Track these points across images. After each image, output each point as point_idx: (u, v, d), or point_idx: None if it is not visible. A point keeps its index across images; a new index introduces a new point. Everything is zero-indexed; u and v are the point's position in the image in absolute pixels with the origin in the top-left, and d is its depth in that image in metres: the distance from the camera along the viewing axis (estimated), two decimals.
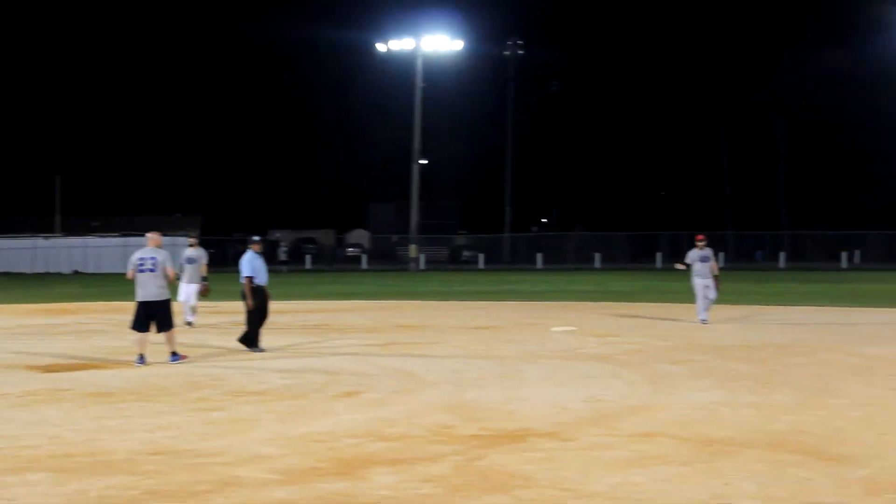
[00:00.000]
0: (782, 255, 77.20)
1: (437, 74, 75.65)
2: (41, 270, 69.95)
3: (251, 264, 18.39)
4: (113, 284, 39.21)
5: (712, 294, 24.22)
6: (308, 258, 77.28)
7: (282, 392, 13.64)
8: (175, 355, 16.88)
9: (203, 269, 23.86)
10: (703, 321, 23.99)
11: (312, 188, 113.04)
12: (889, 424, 11.00)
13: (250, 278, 18.31)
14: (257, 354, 18.03)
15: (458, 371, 15.68)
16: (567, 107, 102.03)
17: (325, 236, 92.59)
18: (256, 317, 18.46)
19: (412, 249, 72.34)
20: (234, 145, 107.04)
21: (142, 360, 16.49)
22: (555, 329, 23.05)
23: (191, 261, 23.90)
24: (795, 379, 14.61)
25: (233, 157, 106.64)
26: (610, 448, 9.88)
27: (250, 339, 18.48)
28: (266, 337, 18.74)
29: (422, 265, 72.88)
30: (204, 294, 23.45)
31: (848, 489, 8.25)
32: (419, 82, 71.31)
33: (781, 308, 30.39)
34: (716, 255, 28.55)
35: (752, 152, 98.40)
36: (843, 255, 74.75)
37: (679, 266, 25.60)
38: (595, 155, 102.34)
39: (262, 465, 9.27)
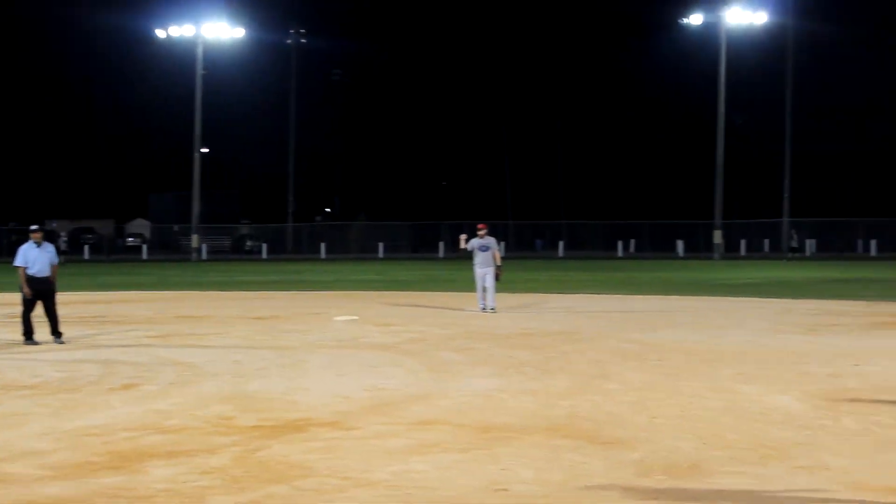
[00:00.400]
0: (561, 244, 79.16)
1: (219, 62, 74.51)
2: None
3: (24, 255, 18.02)
4: None
5: (490, 282, 24.53)
6: (86, 248, 75.02)
7: (56, 385, 13.20)
8: None
9: None
10: (484, 309, 24.32)
11: (91, 177, 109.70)
12: (660, 408, 11.37)
13: (22, 268, 17.89)
14: (32, 347, 17.46)
15: (239, 362, 15.48)
16: (350, 96, 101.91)
17: (103, 226, 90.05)
18: (30, 308, 17.97)
19: (194, 239, 71.13)
20: (6, 132, 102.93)
21: None
22: (337, 318, 23.00)
23: None
24: (573, 365, 14.97)
25: (5, 145, 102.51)
26: (391, 436, 9.90)
27: (28, 332, 17.97)
28: (41, 329, 18.09)
29: (204, 255, 71.71)
30: None
31: (620, 471, 8.48)
32: (200, 70, 70.05)
33: (560, 296, 31.11)
34: (498, 243, 29.09)
35: (532, 144, 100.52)
36: (619, 244, 77.26)
37: (462, 239, 25.69)
38: (378, 144, 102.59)
39: (34, 460, 8.94)
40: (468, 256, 25.38)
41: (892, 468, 8.46)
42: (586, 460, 8.87)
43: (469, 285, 26.19)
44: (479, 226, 25.31)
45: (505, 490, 7.91)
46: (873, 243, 73.77)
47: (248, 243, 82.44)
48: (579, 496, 7.73)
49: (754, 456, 8.99)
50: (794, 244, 68.40)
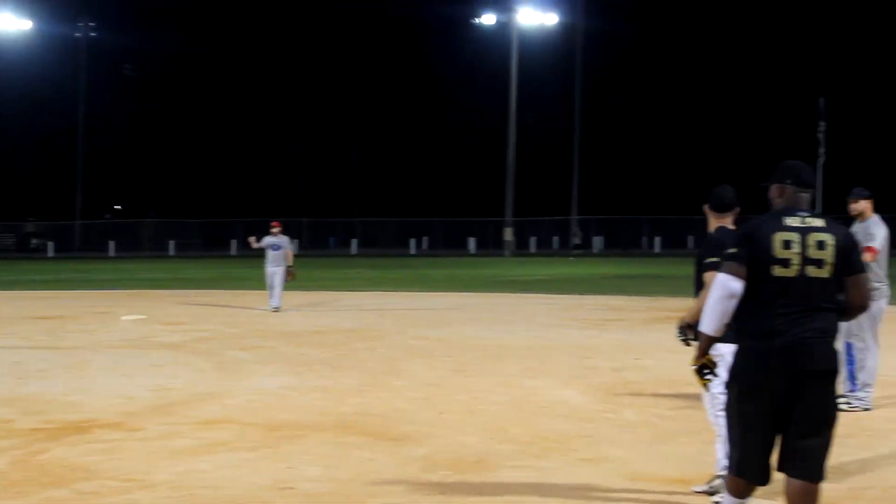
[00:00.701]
0: (354, 242, 79.31)
1: (4, 54, 71.87)
2: None
3: None
4: None
5: (278, 281, 24.34)
6: None
7: None
8: None
9: None
10: (275, 308, 24.15)
11: None
12: (448, 404, 11.51)
13: None
14: None
15: (19, 363, 14.98)
16: (141, 91, 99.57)
17: None
18: None
19: None
20: None
21: None
22: (125, 318, 22.49)
23: None
24: (363, 362, 15.01)
25: None
26: (176, 437, 9.74)
27: None
28: None
29: None
30: None
31: (407, 467, 8.54)
32: None
33: (352, 294, 31.15)
34: (291, 241, 28.92)
35: (325, 142, 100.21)
36: (412, 242, 77.84)
37: (252, 240, 25.54)
38: (169, 141, 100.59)
39: None
40: (263, 255, 25.13)
41: (669, 459, 8.75)
42: (374, 456, 8.91)
43: (262, 283, 25.96)
44: (273, 223, 25.13)
45: (291, 488, 7.87)
46: (657, 240, 76.32)
47: (34, 241, 79.78)
48: (366, 492, 7.75)
49: (537, 449, 9.18)
50: (578, 241, 69.99)
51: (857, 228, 11.14)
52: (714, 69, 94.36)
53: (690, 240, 67.45)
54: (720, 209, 7.44)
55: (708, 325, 5.83)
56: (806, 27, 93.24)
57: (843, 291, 5.87)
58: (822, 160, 61.35)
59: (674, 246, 73.56)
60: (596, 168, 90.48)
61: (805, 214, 5.89)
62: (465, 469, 8.48)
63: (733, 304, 5.74)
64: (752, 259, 5.75)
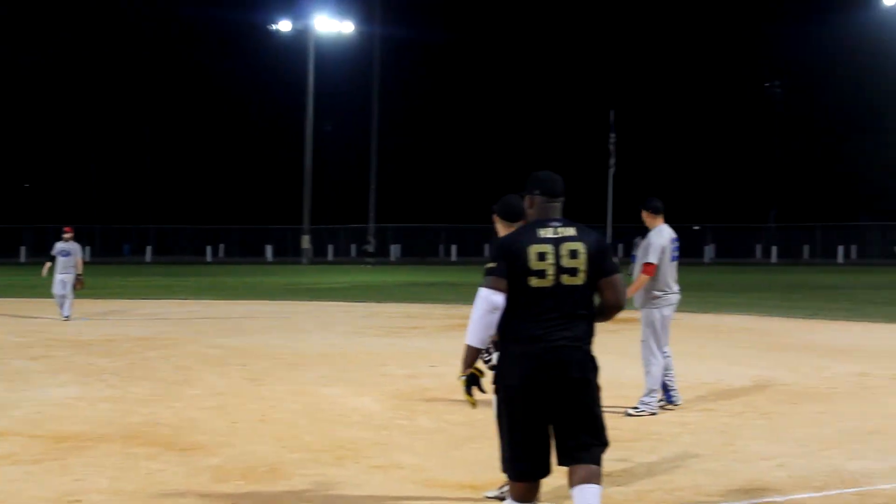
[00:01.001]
0: (149, 249, 77.76)
1: None
2: None
3: None
4: None
5: (68, 289, 23.65)
6: None
7: None
8: None
9: None
10: (66, 317, 23.49)
11: None
12: (241, 413, 11.40)
13: None
14: None
15: None
16: None
17: None
18: None
19: None
20: None
21: None
22: None
23: None
24: (155, 371, 14.74)
25: None
26: None
27: None
28: None
29: None
30: None
31: (198, 477, 8.43)
32: None
33: (146, 301, 30.55)
34: (83, 249, 28.12)
35: (119, 147, 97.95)
36: (209, 249, 76.81)
37: (44, 271, 24.76)
38: None
39: None
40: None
41: (463, 464, 8.86)
42: (163, 467, 8.76)
43: (47, 292, 25.15)
44: (66, 229, 24.41)
45: (78, 501, 7.67)
46: (454, 248, 77.25)
47: None
48: None
49: (331, 457, 9.18)
50: (371, 249, 70.14)
51: (648, 238, 11.60)
52: (510, 81, 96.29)
53: (487, 249, 68.48)
54: (509, 217, 7.55)
55: (473, 338, 6.01)
56: (598, 42, 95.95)
57: (599, 294, 6.15)
58: (612, 170, 63.26)
59: (471, 254, 74.57)
60: (393, 176, 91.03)
61: (558, 224, 6.12)
62: (258, 478, 8.42)
63: (496, 316, 5.95)
64: (511, 272, 5.95)
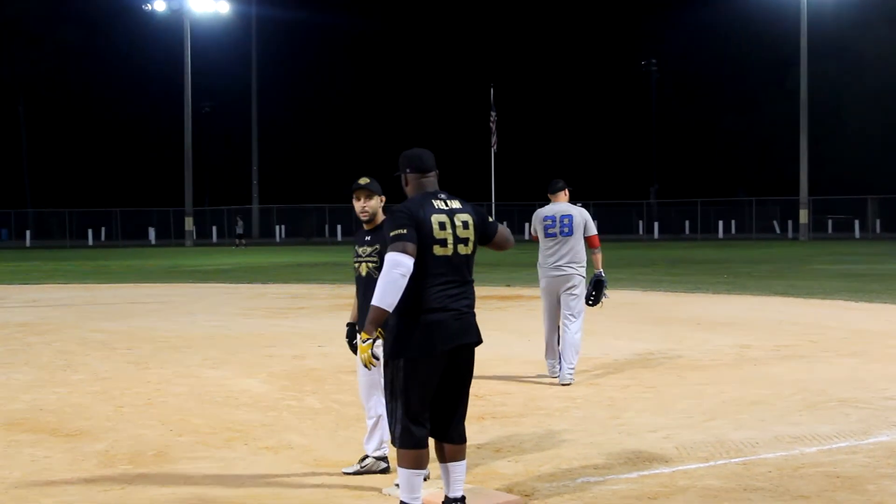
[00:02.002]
0: (28, 233, 76.19)
1: None
2: None
3: None
4: None
5: None
6: None
7: None
8: None
9: None
10: None
11: None
12: (126, 397, 11.22)
13: None
14: None
15: None
16: None
17: None
18: None
19: None
20: None
21: None
22: None
23: None
24: (38, 357, 14.44)
25: None
26: None
27: None
28: None
29: None
30: None
31: (84, 463, 8.28)
32: None
33: (26, 287, 29.91)
34: None
35: None
36: (90, 232, 75.58)
37: None
38: None
39: None
40: None
41: (351, 444, 8.83)
42: (48, 454, 8.59)
43: None
44: None
45: None
46: (339, 228, 77.11)
47: None
48: (41, 492, 7.45)
49: (219, 440, 9.09)
50: (240, 230, 69.27)
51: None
52: (389, 59, 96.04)
53: None
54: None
55: (384, 301, 6.03)
56: (477, 19, 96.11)
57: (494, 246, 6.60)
58: (494, 148, 63.65)
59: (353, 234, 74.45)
60: (277, 157, 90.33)
61: (445, 196, 6.36)
62: (145, 462, 8.31)
63: (405, 280, 6.02)
64: (419, 239, 6.11)
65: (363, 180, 7.73)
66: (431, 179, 6.41)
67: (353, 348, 7.66)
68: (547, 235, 11.98)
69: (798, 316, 18.87)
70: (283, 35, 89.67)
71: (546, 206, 12.15)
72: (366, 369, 6.99)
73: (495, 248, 6.60)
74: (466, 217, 6.31)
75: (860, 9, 75.90)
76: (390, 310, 6.04)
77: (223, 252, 57.64)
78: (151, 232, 77.87)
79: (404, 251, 6.01)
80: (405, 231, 6.06)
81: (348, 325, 8.04)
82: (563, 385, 11.54)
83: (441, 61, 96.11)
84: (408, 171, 6.42)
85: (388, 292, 5.99)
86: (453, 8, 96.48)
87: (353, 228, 76.09)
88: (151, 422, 9.88)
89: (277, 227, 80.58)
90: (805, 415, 9.74)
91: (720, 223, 77.19)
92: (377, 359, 6.27)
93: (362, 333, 6.19)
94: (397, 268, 5.98)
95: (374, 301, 6.04)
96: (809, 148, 67.73)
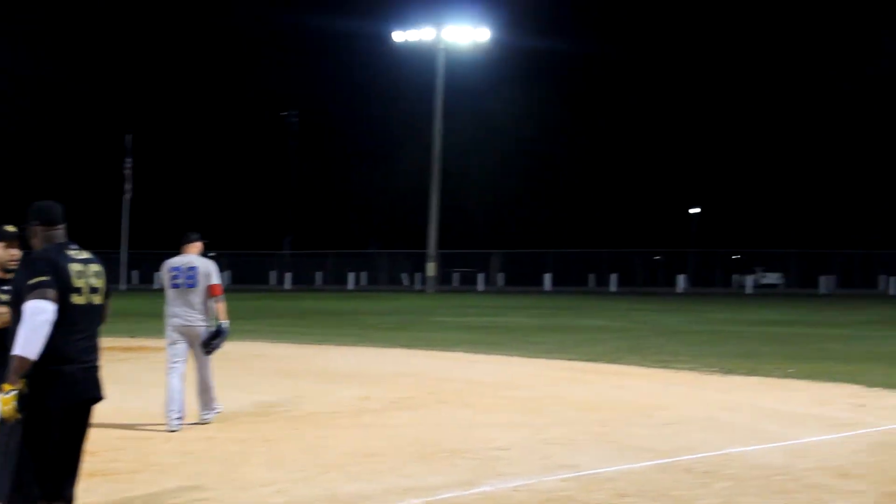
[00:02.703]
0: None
1: None
2: None
3: None
4: None
5: None
6: None
7: None
8: None
9: None
10: None
11: None
12: None
13: None
14: None
15: None
16: None
17: None
18: None
19: None
20: None
21: None
22: None
23: None
24: None
25: None
26: None
27: None
28: None
29: None
30: None
31: None
32: None
33: None
34: None
35: None
36: None
37: None
38: None
39: None
40: None
41: None
42: None
43: None
44: None
45: None
46: None
47: None
48: None
49: None
50: None
51: None
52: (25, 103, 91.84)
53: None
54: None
55: (29, 350, 5.81)
56: (114, 69, 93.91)
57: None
58: (128, 196, 62.22)
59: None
60: None
61: (76, 247, 6.28)
62: None
63: (49, 328, 5.85)
64: (59, 287, 5.98)
65: (11, 228, 7.53)
66: (60, 232, 6.30)
67: None
68: (172, 286, 12.19)
69: (419, 367, 19.39)
70: None
71: (175, 258, 12.32)
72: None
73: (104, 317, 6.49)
74: (98, 268, 6.29)
75: (495, 71, 79.85)
76: (35, 358, 5.81)
77: None
78: None
79: (47, 298, 5.86)
80: (46, 278, 5.92)
81: None
82: (203, 424, 12.03)
83: (76, 109, 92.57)
84: (36, 222, 6.29)
85: (31, 340, 5.79)
86: (93, 52, 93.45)
87: None
88: None
89: None
90: (417, 466, 9.98)
91: (351, 275, 78.41)
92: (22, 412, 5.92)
93: (4, 385, 5.86)
94: (41, 314, 5.81)
95: (17, 350, 5.81)
96: (440, 202, 69.96)
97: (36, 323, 5.81)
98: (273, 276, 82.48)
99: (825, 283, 71.57)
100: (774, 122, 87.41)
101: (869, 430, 12.24)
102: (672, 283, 74.74)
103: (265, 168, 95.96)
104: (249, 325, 30.05)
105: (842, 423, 12.61)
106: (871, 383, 16.54)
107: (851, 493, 8.93)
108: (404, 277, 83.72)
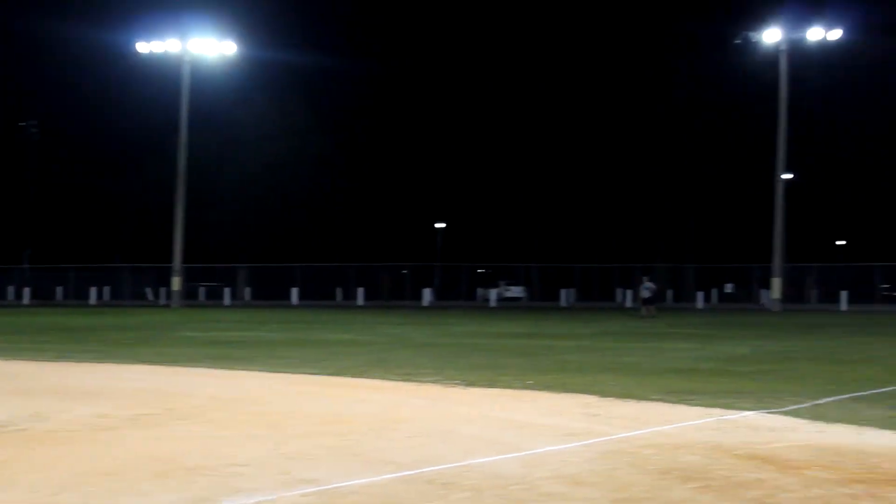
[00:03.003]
0: None
1: None
2: None
3: None
4: None
5: None
6: None
7: None
8: None
9: None
10: None
11: None
12: None
13: None
14: None
15: None
16: None
17: None
18: None
19: None
20: None
21: None
22: None
23: None
24: None
25: None
26: None
27: None
28: None
29: None
30: None
31: None
32: None
33: None
34: None
35: None
36: None
37: None
38: None
39: None
40: None
41: None
42: None
43: None
44: None
45: None
46: None
47: None
48: None
49: None
50: None
51: None
52: None
53: None
54: None
55: None
56: None
57: None
58: None
59: None
60: None
61: None
62: None
63: None
64: None
65: None
66: None
67: None
68: None
69: (160, 384, 19.06)
70: None
71: None
72: None
73: None
74: None
75: (242, 85, 79.07)
76: None
77: None
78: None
79: None
80: None
81: None
82: None
83: None
84: None
85: None
86: None
87: None
88: None
89: None
90: (153, 484, 9.82)
91: (93, 289, 76.29)
92: None
93: None
94: None
95: None
96: (185, 215, 68.93)
97: None
98: (11, 290, 79.43)
99: (566, 296, 74.18)
100: (518, 142, 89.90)
101: (601, 438, 12.73)
102: (418, 297, 75.89)
103: (2, 179, 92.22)
104: None
105: (576, 433, 13.07)
106: (604, 393, 17.23)
107: (584, 501, 9.28)
108: (148, 292, 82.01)
